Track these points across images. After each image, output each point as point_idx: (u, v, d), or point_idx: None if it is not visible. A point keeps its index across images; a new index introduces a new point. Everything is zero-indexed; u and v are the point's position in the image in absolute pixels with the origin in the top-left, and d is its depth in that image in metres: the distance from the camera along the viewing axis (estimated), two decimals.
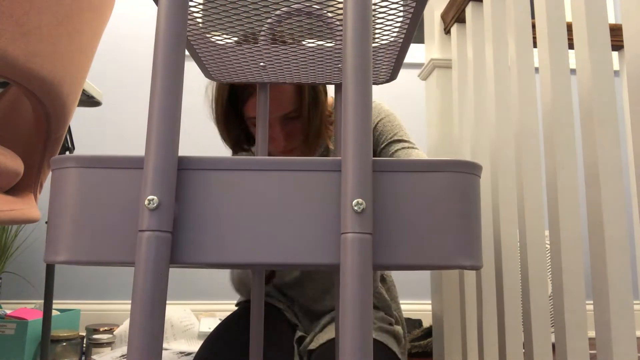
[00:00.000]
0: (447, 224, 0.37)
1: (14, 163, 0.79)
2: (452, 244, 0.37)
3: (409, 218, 0.37)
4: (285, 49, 0.61)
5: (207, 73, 0.70)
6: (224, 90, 1.02)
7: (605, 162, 0.74)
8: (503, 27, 1.03)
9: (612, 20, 2.78)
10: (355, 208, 0.34)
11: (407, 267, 0.37)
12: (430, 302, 2.26)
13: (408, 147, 1.10)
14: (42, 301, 1.52)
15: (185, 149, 2.43)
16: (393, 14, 0.51)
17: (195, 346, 1.87)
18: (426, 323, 2.14)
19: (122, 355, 1.73)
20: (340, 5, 0.56)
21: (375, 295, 1.16)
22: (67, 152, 1.55)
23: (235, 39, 0.60)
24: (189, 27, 0.56)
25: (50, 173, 0.43)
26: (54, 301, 2.24)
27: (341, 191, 0.35)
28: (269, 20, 0.60)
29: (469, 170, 0.38)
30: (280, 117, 1.01)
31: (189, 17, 0.54)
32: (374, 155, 1.12)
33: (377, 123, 1.11)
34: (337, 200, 0.37)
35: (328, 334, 1.03)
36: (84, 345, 1.84)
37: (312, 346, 1.04)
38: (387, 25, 0.55)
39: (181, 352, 1.78)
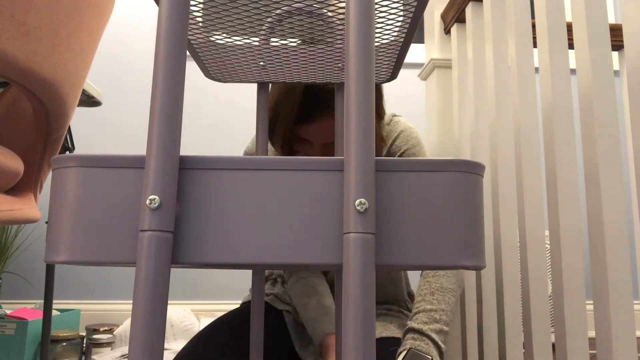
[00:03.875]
0: (450, 223, 0.37)
1: (14, 163, 0.79)
2: (455, 244, 0.37)
3: (411, 218, 0.37)
4: (286, 49, 0.61)
5: (207, 73, 0.70)
6: (293, 110, 0.95)
7: (605, 162, 0.74)
8: (503, 27, 1.03)
9: (612, 20, 2.79)
10: (358, 208, 0.34)
11: (410, 267, 0.37)
12: None
13: None
14: (42, 301, 1.52)
15: (187, 148, 2.43)
16: (394, 14, 0.51)
17: None
18: None
19: (122, 355, 1.73)
20: (341, 5, 0.56)
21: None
22: (67, 152, 1.55)
23: (236, 38, 0.60)
24: (190, 26, 0.56)
25: (51, 173, 0.43)
26: (54, 301, 2.24)
27: (344, 191, 0.35)
28: (269, 20, 0.60)
29: (472, 170, 0.38)
30: (322, 143, 0.99)
31: (190, 16, 0.54)
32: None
33: (405, 151, 1.09)
34: (340, 200, 0.37)
35: None
36: (84, 345, 1.84)
37: None
38: (387, 25, 0.55)
39: None
